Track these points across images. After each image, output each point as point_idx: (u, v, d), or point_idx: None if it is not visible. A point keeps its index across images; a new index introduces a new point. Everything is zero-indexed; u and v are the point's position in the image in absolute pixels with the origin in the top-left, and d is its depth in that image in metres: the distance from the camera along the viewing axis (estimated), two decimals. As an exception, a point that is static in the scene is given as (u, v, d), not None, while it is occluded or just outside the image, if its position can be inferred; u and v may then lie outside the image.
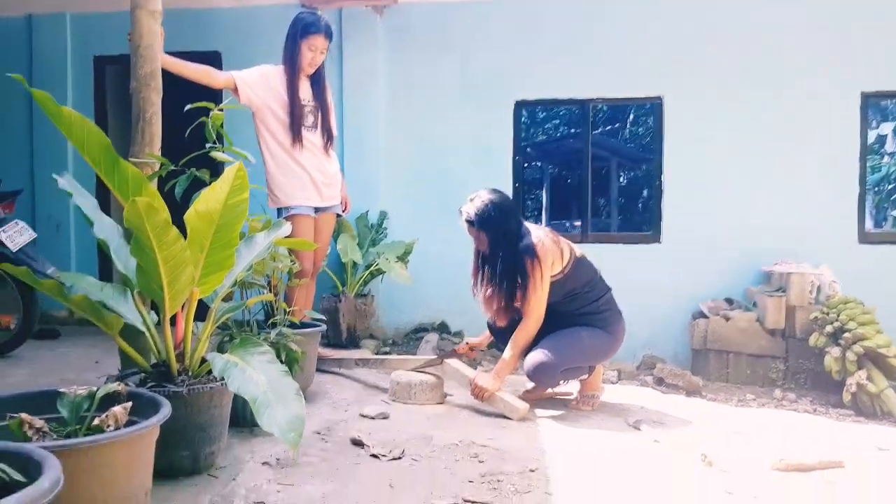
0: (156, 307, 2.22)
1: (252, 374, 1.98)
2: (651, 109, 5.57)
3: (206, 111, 2.81)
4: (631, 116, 15.17)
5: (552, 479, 2.35)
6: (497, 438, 2.80)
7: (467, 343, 3.69)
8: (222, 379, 2.02)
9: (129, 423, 1.73)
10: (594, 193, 6.67)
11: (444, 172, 5.43)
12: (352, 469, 2.40)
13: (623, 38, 5.30)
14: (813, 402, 4.25)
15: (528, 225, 3.31)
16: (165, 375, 2.21)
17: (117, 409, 1.72)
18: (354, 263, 4.91)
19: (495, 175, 5.28)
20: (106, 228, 2.23)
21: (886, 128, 13.10)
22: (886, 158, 12.93)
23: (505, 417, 3.13)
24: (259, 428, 1.86)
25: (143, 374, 2.25)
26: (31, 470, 1.27)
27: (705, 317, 4.88)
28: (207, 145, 2.80)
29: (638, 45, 5.28)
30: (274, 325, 2.95)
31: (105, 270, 5.45)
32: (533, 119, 14.99)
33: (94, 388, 1.81)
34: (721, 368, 4.75)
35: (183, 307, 2.23)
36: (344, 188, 4.13)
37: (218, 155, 2.76)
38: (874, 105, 7.68)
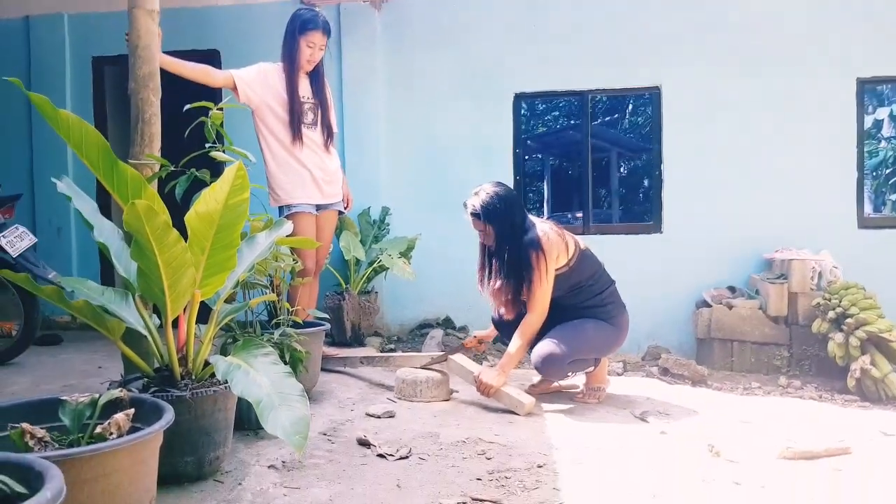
0: (158, 310, 2.20)
1: (255, 376, 1.96)
2: (650, 99, 5.55)
3: (206, 111, 2.79)
4: (630, 106, 15.12)
5: (560, 475, 2.34)
6: (504, 434, 2.79)
7: (475, 336, 3.67)
8: (226, 382, 2.00)
9: (133, 430, 1.71)
10: (595, 184, 6.66)
11: (445, 166, 5.42)
12: (358, 470, 2.39)
13: (620, 29, 5.28)
14: (818, 389, 4.25)
15: (533, 218, 3.30)
16: (169, 379, 2.19)
17: (119, 416, 1.70)
18: (357, 260, 4.87)
19: (496, 168, 5.28)
20: (106, 232, 2.21)
21: (883, 112, 13.10)
22: (883, 143, 12.93)
23: (511, 412, 3.11)
24: (264, 430, 1.84)
25: (146, 379, 2.23)
26: (33, 481, 1.25)
27: (708, 305, 4.87)
28: (207, 145, 2.78)
29: (635, 35, 5.26)
30: (277, 326, 2.93)
31: (107, 274, 5.43)
32: (532, 111, 14.94)
33: (96, 395, 1.79)
34: (725, 357, 4.74)
35: (185, 310, 2.21)
36: (345, 184, 4.10)
37: (218, 155, 2.75)
38: (870, 90, 7.67)
